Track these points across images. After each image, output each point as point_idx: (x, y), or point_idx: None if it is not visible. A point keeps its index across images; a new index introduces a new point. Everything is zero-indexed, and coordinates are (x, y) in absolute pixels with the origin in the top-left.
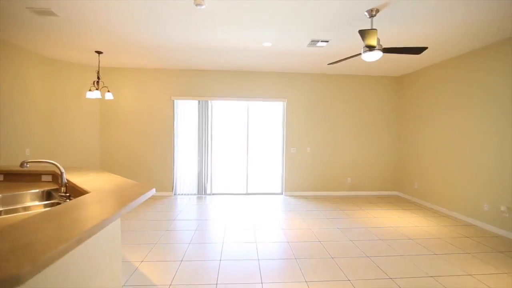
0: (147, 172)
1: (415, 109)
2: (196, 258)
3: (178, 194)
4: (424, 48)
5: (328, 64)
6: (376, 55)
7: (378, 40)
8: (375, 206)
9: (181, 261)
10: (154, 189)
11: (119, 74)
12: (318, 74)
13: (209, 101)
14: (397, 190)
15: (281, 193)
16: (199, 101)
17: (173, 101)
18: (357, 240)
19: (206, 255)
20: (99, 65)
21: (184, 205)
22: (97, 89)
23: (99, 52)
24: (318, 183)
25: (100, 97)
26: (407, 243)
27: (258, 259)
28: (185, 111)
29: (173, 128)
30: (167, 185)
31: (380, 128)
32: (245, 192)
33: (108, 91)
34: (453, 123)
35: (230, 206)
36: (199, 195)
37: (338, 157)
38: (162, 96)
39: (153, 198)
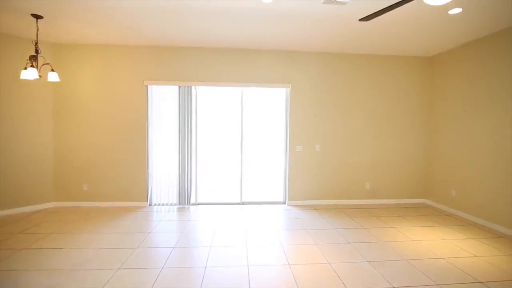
0: (114, 176)
1: (451, 97)
2: None
3: (155, 205)
4: None
5: (360, 19)
6: None
7: None
8: (404, 220)
9: None
10: None
11: (76, 52)
12: (330, 54)
13: (193, 87)
14: (425, 198)
15: (284, 202)
16: (179, 86)
17: (146, 86)
18: (402, 287)
19: None
20: (37, 34)
21: (158, 222)
22: (32, 66)
23: (37, 16)
24: (330, 189)
25: (38, 77)
26: None
27: None
28: (162, 99)
29: (147, 121)
30: (140, 193)
31: (405, 121)
32: (239, 201)
33: (52, 70)
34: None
35: (219, 221)
36: (181, 206)
37: (354, 157)
38: (132, 80)
39: (122, 210)
